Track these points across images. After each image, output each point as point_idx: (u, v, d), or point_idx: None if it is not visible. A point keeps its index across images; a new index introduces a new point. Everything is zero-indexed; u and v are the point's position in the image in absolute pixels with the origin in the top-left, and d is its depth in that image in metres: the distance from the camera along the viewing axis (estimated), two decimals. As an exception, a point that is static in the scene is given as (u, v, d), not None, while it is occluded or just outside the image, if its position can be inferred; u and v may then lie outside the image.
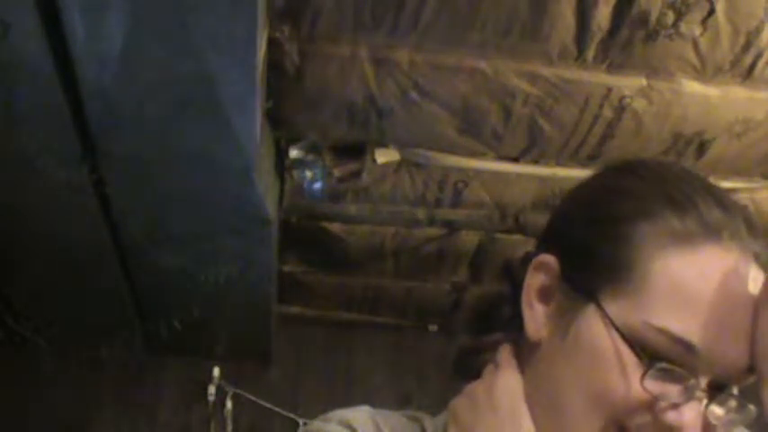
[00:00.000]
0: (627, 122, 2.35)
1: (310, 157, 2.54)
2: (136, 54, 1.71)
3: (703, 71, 2.19)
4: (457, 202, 2.70)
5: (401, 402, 3.36)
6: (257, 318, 3.15)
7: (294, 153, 2.52)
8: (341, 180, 2.60)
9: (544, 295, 0.80)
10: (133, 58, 1.72)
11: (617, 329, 0.70)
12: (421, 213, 2.77)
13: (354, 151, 2.54)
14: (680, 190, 0.75)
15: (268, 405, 3.44)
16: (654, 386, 0.70)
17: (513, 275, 0.88)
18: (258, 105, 1.93)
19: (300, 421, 3.39)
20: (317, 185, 2.60)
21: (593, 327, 0.72)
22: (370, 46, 2.11)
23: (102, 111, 1.92)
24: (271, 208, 2.41)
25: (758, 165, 2.58)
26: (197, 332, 3.20)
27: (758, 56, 2.14)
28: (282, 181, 2.61)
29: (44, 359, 3.39)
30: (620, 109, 2.30)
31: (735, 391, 0.72)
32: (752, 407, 0.72)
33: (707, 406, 0.70)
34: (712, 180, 2.71)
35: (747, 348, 0.70)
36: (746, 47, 2.11)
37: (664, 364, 0.69)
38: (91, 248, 2.61)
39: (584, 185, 0.86)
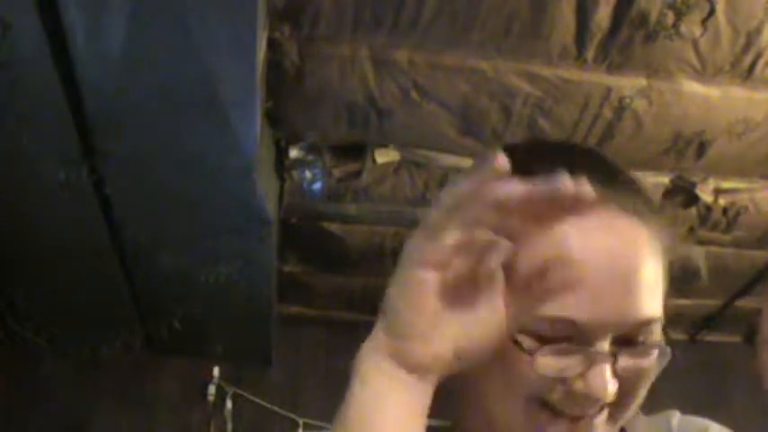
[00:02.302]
0: (627, 123, 2.34)
1: (310, 157, 2.54)
2: (136, 54, 1.71)
3: (703, 71, 2.19)
4: (457, 202, 2.70)
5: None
6: (257, 318, 3.15)
7: (294, 153, 2.52)
8: (341, 180, 2.60)
9: None
10: (133, 58, 1.72)
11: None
12: (421, 213, 2.77)
13: (354, 151, 2.54)
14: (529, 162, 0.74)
15: (268, 405, 3.44)
16: (552, 364, 0.71)
17: None
18: (258, 105, 1.93)
19: (300, 421, 3.39)
20: (317, 185, 2.60)
21: None
22: (370, 46, 2.11)
23: (102, 111, 1.92)
24: (271, 208, 2.41)
25: (758, 165, 2.58)
26: (197, 332, 3.20)
27: (758, 56, 2.14)
28: (282, 181, 2.61)
29: (44, 359, 3.39)
30: (620, 109, 2.30)
31: (641, 340, 0.74)
32: (658, 349, 0.74)
33: (614, 364, 0.72)
34: (712, 180, 2.68)
35: (639, 298, 0.72)
36: (746, 47, 2.11)
37: (550, 348, 0.71)
38: (91, 248, 2.61)
39: None
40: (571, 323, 0.71)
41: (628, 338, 0.73)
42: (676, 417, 0.88)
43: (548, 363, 0.71)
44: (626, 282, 0.72)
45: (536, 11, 1.99)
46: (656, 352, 0.74)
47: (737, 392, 3.45)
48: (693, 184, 2.65)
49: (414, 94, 2.25)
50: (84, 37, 1.66)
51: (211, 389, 3.41)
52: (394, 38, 2.08)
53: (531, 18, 2.01)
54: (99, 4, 1.60)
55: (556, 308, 0.71)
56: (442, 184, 2.63)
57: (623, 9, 1.99)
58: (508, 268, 0.71)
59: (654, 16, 2.00)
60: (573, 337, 0.72)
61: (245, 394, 3.45)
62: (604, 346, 0.72)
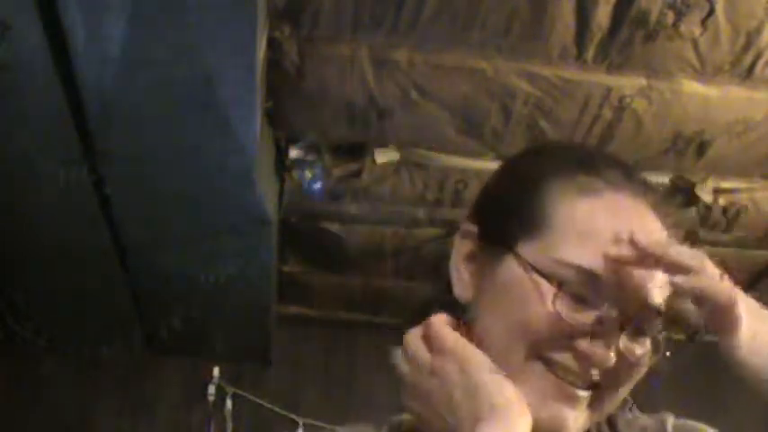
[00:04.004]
0: (627, 122, 2.35)
1: (310, 157, 2.54)
2: (136, 54, 1.71)
3: (703, 71, 2.19)
4: (457, 202, 2.70)
5: (400, 403, 3.35)
6: (257, 318, 3.15)
7: (294, 153, 2.53)
8: (341, 180, 2.60)
9: (470, 259, 0.87)
10: (133, 58, 1.72)
11: (530, 266, 0.78)
12: (421, 213, 2.77)
13: (354, 151, 2.54)
14: (588, 155, 0.87)
15: (268, 405, 3.44)
16: (566, 310, 0.76)
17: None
18: (258, 105, 1.93)
19: (300, 421, 3.39)
20: (317, 185, 2.60)
21: (512, 269, 0.79)
22: (370, 46, 2.11)
23: (102, 111, 1.92)
24: (271, 208, 2.41)
25: (758, 165, 2.58)
26: (197, 332, 3.20)
27: (758, 56, 2.14)
28: (282, 181, 2.61)
29: (44, 359, 3.39)
30: (620, 109, 2.30)
31: (656, 332, 0.79)
32: (653, 342, 0.78)
33: (619, 336, 0.76)
34: (713, 180, 2.69)
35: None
36: (746, 47, 2.11)
37: (572, 288, 0.76)
38: (91, 248, 2.61)
39: (506, 163, 0.95)
40: (594, 277, 0.76)
41: (641, 329, 0.77)
42: (671, 420, 0.89)
43: (563, 306, 0.75)
44: None
45: (536, 11, 1.99)
46: (649, 343, 0.78)
47: (736, 393, 3.44)
48: (693, 184, 2.66)
49: (414, 94, 2.25)
50: (84, 37, 1.66)
51: (211, 389, 3.41)
52: (394, 38, 2.08)
53: (531, 18, 2.01)
54: (99, 4, 1.60)
55: (586, 259, 0.76)
56: (441, 184, 2.64)
57: (623, 9, 1.99)
58: (543, 214, 0.79)
59: (654, 16, 2.00)
60: (591, 295, 0.76)
61: (245, 394, 3.45)
62: (614, 313, 0.76)
